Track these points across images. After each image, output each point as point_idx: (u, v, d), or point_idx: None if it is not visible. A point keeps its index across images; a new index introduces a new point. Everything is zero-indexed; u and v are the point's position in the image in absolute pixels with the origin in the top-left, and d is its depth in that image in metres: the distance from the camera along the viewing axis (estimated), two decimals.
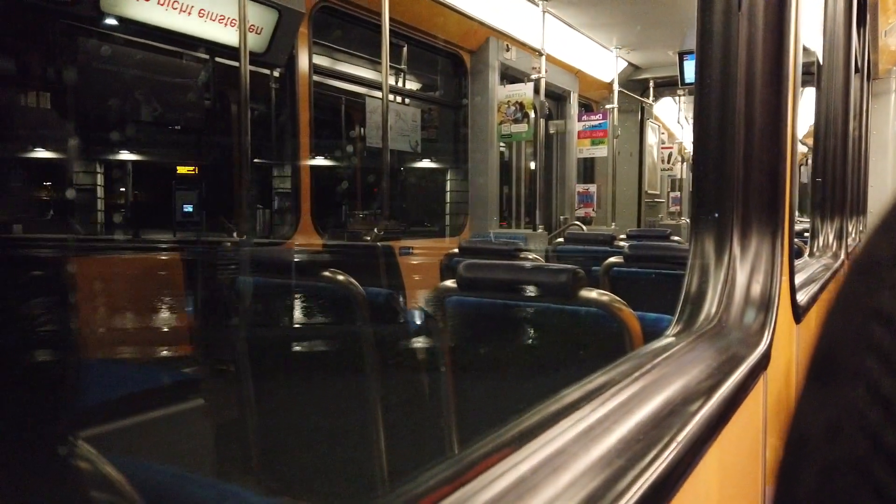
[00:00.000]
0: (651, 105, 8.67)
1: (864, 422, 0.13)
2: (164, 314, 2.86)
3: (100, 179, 3.81)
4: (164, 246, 3.14)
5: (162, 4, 3.00)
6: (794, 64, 1.42)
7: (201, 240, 3.31)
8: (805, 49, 3.09)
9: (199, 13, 3.19)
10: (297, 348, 2.04)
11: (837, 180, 3.36)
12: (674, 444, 0.67)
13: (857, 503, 0.13)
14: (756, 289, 1.27)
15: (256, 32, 3.44)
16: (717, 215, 1.30)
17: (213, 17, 3.27)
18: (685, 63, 6.96)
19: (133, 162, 4.32)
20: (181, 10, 3.13)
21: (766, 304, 1.25)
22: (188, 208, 3.43)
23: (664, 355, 0.96)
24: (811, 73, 3.32)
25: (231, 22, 3.18)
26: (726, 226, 1.31)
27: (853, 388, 0.13)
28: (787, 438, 0.16)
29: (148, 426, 1.95)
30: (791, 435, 0.16)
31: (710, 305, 1.25)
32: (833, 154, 3.31)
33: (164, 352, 2.84)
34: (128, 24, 2.99)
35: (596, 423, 0.67)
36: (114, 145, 3.78)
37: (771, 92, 1.32)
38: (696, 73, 1.43)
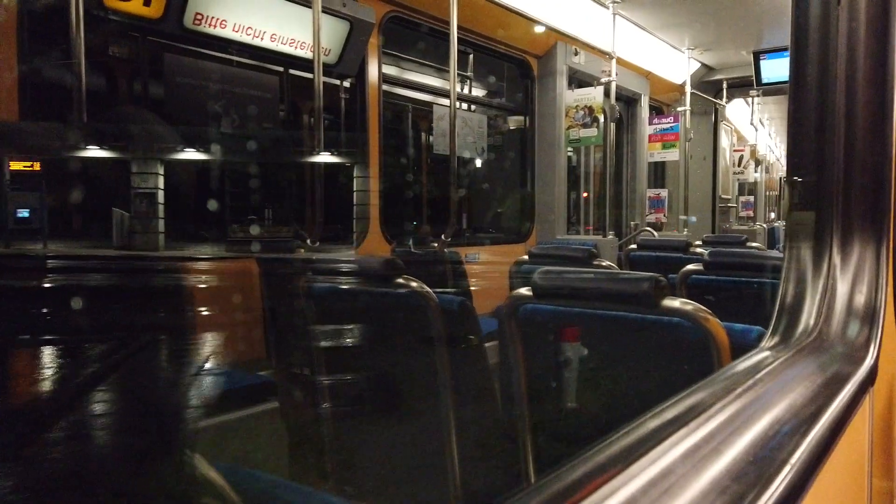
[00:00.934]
0: (724, 107, 8.38)
1: None
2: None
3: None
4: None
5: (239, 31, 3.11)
6: None
7: (277, 244, 3.40)
8: None
9: (272, 38, 3.29)
10: (372, 355, 2.05)
11: None
12: (787, 468, 0.63)
13: None
14: (859, 299, 1.19)
15: (325, 53, 3.51)
16: (815, 220, 1.23)
17: (286, 41, 3.36)
18: (761, 62, 6.69)
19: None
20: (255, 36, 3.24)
21: (870, 316, 1.17)
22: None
23: (763, 371, 0.91)
24: None
25: (301, 45, 3.26)
26: (825, 231, 1.23)
27: None
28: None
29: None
30: None
31: (809, 317, 1.18)
32: None
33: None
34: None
35: (702, 442, 0.63)
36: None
37: (874, 90, 1.24)
38: (790, 70, 1.35)
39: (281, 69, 3.57)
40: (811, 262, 1.23)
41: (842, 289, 1.20)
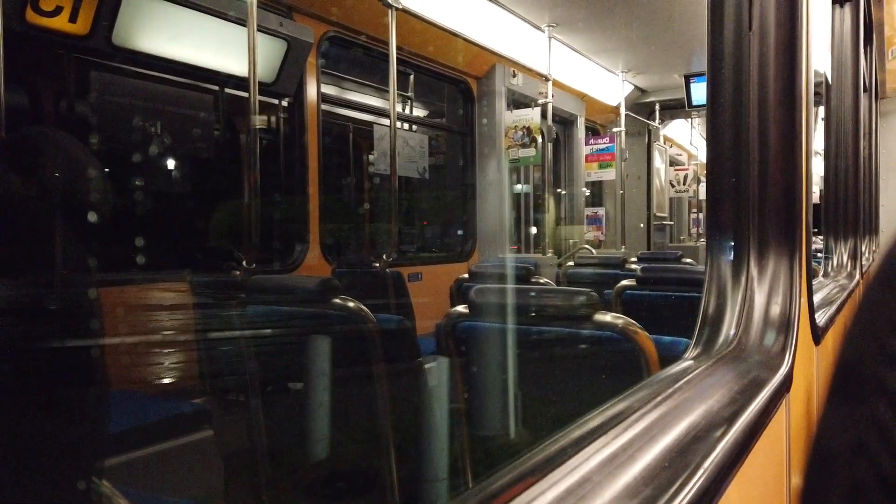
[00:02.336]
0: (658, 128, 8.69)
1: (888, 438, 0.13)
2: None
3: None
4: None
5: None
6: (807, 83, 1.42)
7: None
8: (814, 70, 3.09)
9: (206, 56, 3.24)
10: (307, 375, 2.02)
11: (850, 199, 3.34)
12: (700, 471, 0.65)
13: None
14: (775, 310, 1.25)
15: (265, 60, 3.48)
16: (733, 235, 1.28)
17: (221, 59, 3.32)
18: (692, 85, 6.99)
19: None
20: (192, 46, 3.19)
21: (785, 326, 1.23)
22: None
23: (684, 380, 0.94)
24: (819, 94, 3.31)
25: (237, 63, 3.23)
26: (743, 246, 1.29)
27: (876, 404, 0.13)
28: (811, 459, 0.16)
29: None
30: (815, 456, 0.16)
31: (729, 328, 1.23)
32: (845, 173, 3.29)
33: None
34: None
35: (620, 451, 0.65)
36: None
37: (784, 111, 1.31)
38: (707, 93, 1.42)
39: (216, 88, 3.51)
40: (730, 275, 1.29)
41: (759, 300, 1.25)
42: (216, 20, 3.29)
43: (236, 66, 3.34)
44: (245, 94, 3.03)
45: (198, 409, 2.43)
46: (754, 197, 1.30)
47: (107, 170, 3.04)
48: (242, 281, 2.64)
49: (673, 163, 9.74)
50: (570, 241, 7.18)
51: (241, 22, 3.02)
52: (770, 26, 1.33)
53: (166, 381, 2.81)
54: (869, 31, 4.29)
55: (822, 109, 3.40)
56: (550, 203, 6.24)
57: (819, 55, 3.02)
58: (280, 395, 2.12)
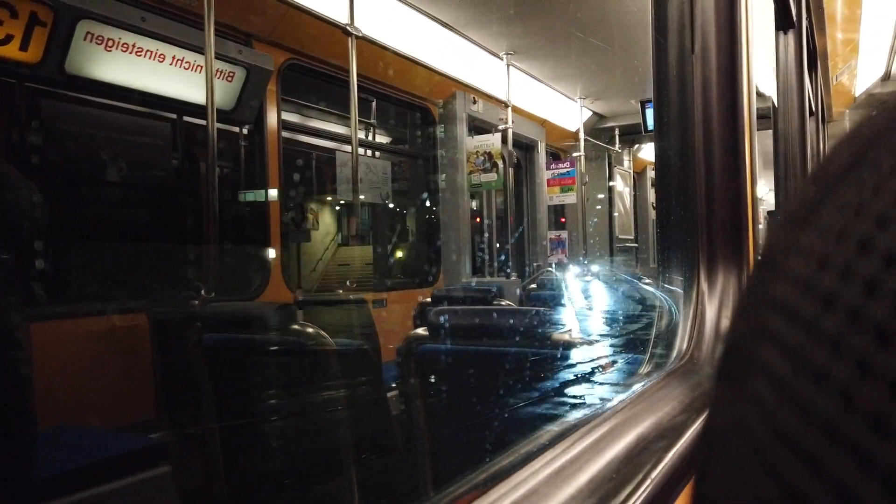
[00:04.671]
0: (617, 152, 8.87)
1: (765, 411, 0.13)
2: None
3: None
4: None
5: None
6: (749, 103, 1.46)
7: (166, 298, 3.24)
8: (761, 94, 3.20)
9: (163, 84, 3.22)
10: (266, 405, 1.98)
11: None
12: (648, 482, 0.65)
13: (763, 492, 0.13)
14: (725, 324, 1.27)
15: (227, 79, 3.47)
16: (683, 253, 1.31)
17: (179, 87, 3.30)
18: (647, 111, 7.17)
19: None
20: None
21: None
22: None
23: (636, 393, 0.95)
24: (767, 117, 3.42)
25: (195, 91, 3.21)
26: (693, 263, 1.32)
27: (756, 381, 0.14)
28: (703, 439, 0.17)
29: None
30: (705, 436, 0.16)
31: (681, 342, 1.25)
32: (794, 194, 3.39)
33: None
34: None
35: (568, 463, 0.65)
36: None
37: (727, 130, 1.35)
38: (654, 115, 1.46)
39: (174, 116, 3.48)
40: (682, 292, 1.31)
41: (710, 314, 1.28)
42: (174, 48, 3.27)
43: (194, 93, 3.32)
44: (204, 122, 3.01)
45: (154, 445, 2.36)
46: (702, 215, 1.33)
47: (58, 199, 2.98)
48: (201, 310, 2.59)
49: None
50: (535, 264, 7.24)
51: (200, 49, 3.02)
52: (712, 49, 1.37)
53: (121, 415, 2.73)
54: (813, 57, 4.47)
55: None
56: (512, 227, 6.29)
57: (766, 80, 3.14)
58: (238, 427, 2.07)
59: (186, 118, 3.57)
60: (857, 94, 7.24)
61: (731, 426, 0.15)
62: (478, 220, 6.85)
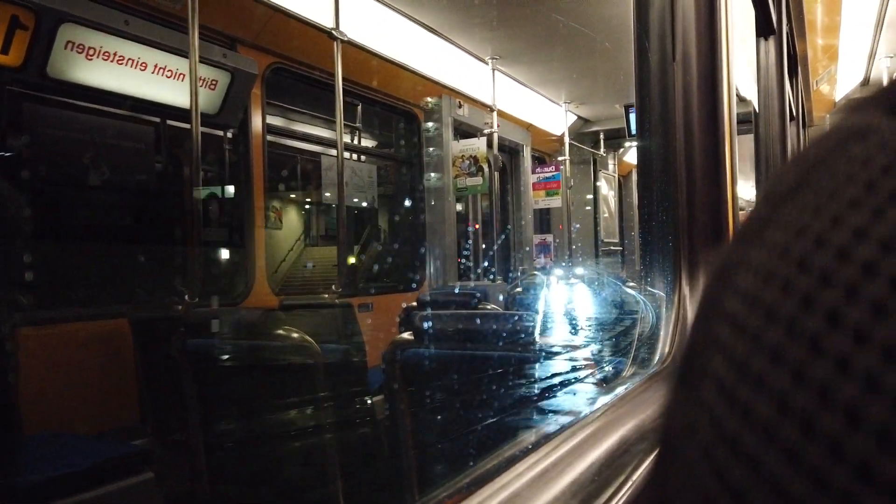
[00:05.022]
0: (602, 156, 8.93)
1: (712, 416, 0.14)
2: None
3: None
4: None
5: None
6: (730, 110, 1.48)
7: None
8: (742, 99, 3.24)
9: (147, 88, 3.20)
10: (251, 410, 1.97)
11: None
12: (629, 484, 0.66)
13: (709, 491, 0.14)
14: None
15: (211, 83, 3.46)
16: (665, 256, 1.33)
17: (162, 91, 3.28)
18: (631, 115, 7.23)
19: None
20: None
21: None
22: None
23: (618, 396, 0.96)
24: (749, 122, 3.46)
25: (179, 95, 3.19)
26: (675, 266, 1.34)
27: (706, 387, 0.15)
28: (660, 444, 0.18)
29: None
30: (662, 440, 0.17)
31: (664, 345, 1.26)
32: None
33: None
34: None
35: (550, 466, 0.65)
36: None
37: (708, 136, 1.37)
38: (637, 121, 1.48)
39: (158, 119, 3.46)
40: (664, 295, 1.33)
41: (692, 317, 1.30)
42: (158, 52, 3.25)
43: (178, 97, 3.30)
44: (188, 126, 2.99)
45: (138, 451, 2.34)
46: (684, 220, 1.35)
47: (41, 203, 2.95)
48: (185, 315, 2.57)
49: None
50: (520, 267, 7.26)
51: (184, 53, 3.00)
52: (692, 56, 1.39)
53: (104, 421, 2.70)
54: (793, 62, 4.53)
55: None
56: (498, 231, 6.32)
57: (747, 86, 3.17)
58: (223, 432, 2.06)
59: (170, 122, 3.55)
60: (836, 100, 7.35)
61: (683, 430, 0.15)
62: (471, 225, 6.87)
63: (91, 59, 2.99)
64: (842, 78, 6.69)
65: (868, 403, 0.11)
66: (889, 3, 4.96)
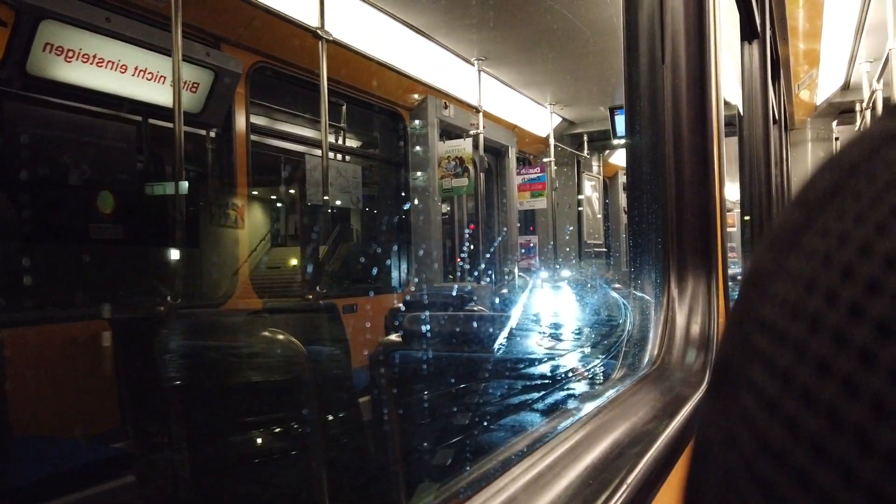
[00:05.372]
0: (587, 158, 8.97)
1: (754, 427, 0.14)
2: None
3: None
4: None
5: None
6: (717, 112, 1.49)
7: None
8: (726, 102, 3.27)
9: (129, 86, 3.14)
10: (234, 413, 1.95)
11: (764, 224, 3.52)
12: (624, 487, 0.66)
13: (751, 502, 0.13)
14: (695, 329, 1.29)
15: (192, 90, 3.42)
16: (654, 259, 1.33)
17: (145, 89, 3.23)
18: (616, 118, 7.27)
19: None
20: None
21: (705, 343, 1.27)
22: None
23: (609, 399, 0.96)
24: (733, 125, 3.49)
25: (162, 93, 3.14)
26: (663, 269, 1.34)
27: (745, 398, 0.14)
28: (693, 451, 0.17)
29: None
30: (696, 448, 0.17)
31: (653, 348, 1.26)
32: (759, 199, 3.47)
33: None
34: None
35: (546, 470, 0.65)
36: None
37: (697, 138, 1.38)
38: (626, 123, 1.48)
39: (139, 118, 3.42)
40: (653, 297, 1.33)
41: (680, 320, 1.30)
42: (140, 50, 3.21)
43: (161, 96, 3.26)
44: (171, 125, 2.96)
45: (118, 454, 2.31)
46: (672, 222, 1.35)
47: (20, 203, 2.90)
48: (167, 317, 2.54)
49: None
50: (505, 269, 7.27)
51: (167, 52, 2.97)
52: (681, 59, 1.40)
53: (84, 424, 2.66)
54: (776, 66, 4.59)
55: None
56: (483, 232, 6.32)
57: (731, 89, 3.20)
58: (206, 435, 2.04)
59: (152, 121, 3.51)
60: (818, 103, 7.44)
61: (721, 440, 0.15)
62: (456, 226, 6.86)
63: (71, 58, 2.95)
64: (823, 82, 6.78)
65: None
66: (869, 9, 5.03)
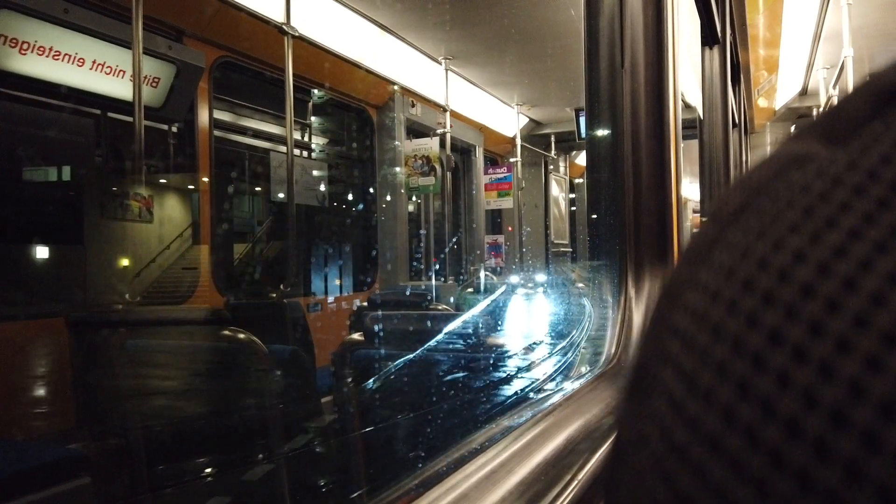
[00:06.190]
0: (553, 158, 9.05)
1: (663, 427, 0.15)
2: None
3: None
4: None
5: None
6: (675, 117, 1.52)
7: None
8: (688, 105, 3.33)
9: (87, 79, 3.03)
10: (194, 413, 1.93)
11: None
12: (575, 483, 0.67)
13: (658, 497, 0.14)
14: None
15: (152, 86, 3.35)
16: (612, 259, 1.35)
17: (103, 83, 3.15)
18: (581, 119, 7.35)
19: None
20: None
21: None
22: None
23: (566, 397, 0.97)
24: (694, 128, 3.56)
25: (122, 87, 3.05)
26: (621, 269, 1.36)
27: (656, 400, 0.15)
28: (611, 453, 0.18)
29: None
30: (614, 449, 0.18)
31: (610, 346, 1.28)
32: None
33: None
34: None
35: (498, 467, 0.66)
36: None
37: (655, 142, 1.40)
38: (586, 126, 1.50)
39: (98, 112, 3.34)
40: (611, 296, 1.36)
41: (637, 319, 1.32)
42: (100, 42, 3.14)
43: (122, 89, 3.19)
44: (130, 119, 2.90)
45: (72, 455, 2.25)
46: (630, 224, 1.38)
47: None
48: (125, 314, 2.49)
49: None
50: (472, 267, 7.30)
51: (127, 45, 2.91)
52: (640, 63, 1.42)
53: (37, 425, 2.59)
54: (737, 72, 4.69)
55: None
56: (449, 231, 6.33)
57: (693, 93, 3.26)
58: (164, 436, 2.00)
59: (111, 114, 3.43)
60: (777, 108, 7.64)
61: (635, 440, 0.16)
62: (422, 225, 6.85)
63: (26, 49, 2.86)
64: (781, 88, 6.96)
65: (807, 416, 0.12)
66: (826, 17, 5.18)
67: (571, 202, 10.10)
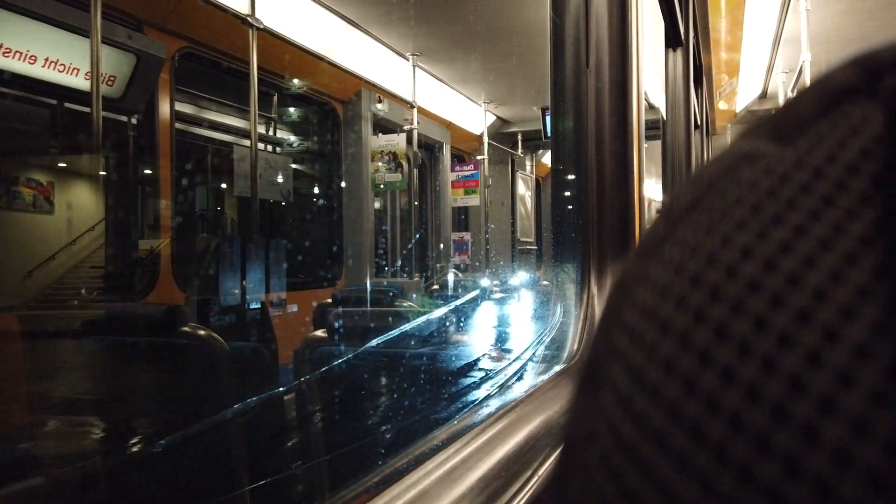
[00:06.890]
0: (520, 157, 9.10)
1: (611, 423, 0.15)
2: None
3: None
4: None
5: None
6: (639, 117, 1.54)
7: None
8: (651, 106, 3.38)
9: (43, 67, 2.93)
10: (153, 410, 1.89)
11: None
12: (535, 478, 0.68)
13: (606, 493, 0.14)
14: None
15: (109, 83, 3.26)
16: (575, 257, 1.37)
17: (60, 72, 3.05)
18: (547, 118, 7.40)
19: None
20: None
21: None
22: None
23: (528, 393, 0.98)
24: (657, 129, 3.61)
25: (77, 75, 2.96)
26: (584, 266, 1.38)
27: (605, 395, 0.15)
28: (561, 450, 0.18)
29: None
30: (564, 446, 0.18)
31: (573, 343, 1.30)
32: None
33: None
34: None
35: (459, 463, 0.66)
36: None
37: (618, 142, 1.42)
38: (551, 125, 1.51)
39: (54, 102, 3.24)
40: (574, 293, 1.37)
41: (599, 315, 1.34)
42: (56, 30, 3.05)
43: (78, 79, 3.11)
44: (88, 110, 2.82)
45: (25, 455, 2.19)
46: (593, 222, 1.39)
47: None
48: (82, 311, 2.43)
49: None
50: (438, 265, 7.30)
51: (85, 33, 2.83)
52: (605, 64, 1.44)
53: None
54: (699, 74, 4.77)
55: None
56: (416, 229, 6.32)
57: (656, 94, 3.31)
58: (121, 434, 1.96)
59: (68, 104, 3.34)
60: (738, 110, 7.81)
61: (584, 435, 0.16)
62: (387, 222, 6.82)
63: None
64: (742, 90, 7.11)
65: (750, 411, 0.12)
66: (786, 23, 5.31)
67: (538, 200, 10.17)
